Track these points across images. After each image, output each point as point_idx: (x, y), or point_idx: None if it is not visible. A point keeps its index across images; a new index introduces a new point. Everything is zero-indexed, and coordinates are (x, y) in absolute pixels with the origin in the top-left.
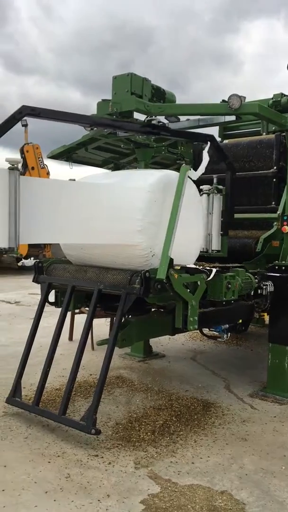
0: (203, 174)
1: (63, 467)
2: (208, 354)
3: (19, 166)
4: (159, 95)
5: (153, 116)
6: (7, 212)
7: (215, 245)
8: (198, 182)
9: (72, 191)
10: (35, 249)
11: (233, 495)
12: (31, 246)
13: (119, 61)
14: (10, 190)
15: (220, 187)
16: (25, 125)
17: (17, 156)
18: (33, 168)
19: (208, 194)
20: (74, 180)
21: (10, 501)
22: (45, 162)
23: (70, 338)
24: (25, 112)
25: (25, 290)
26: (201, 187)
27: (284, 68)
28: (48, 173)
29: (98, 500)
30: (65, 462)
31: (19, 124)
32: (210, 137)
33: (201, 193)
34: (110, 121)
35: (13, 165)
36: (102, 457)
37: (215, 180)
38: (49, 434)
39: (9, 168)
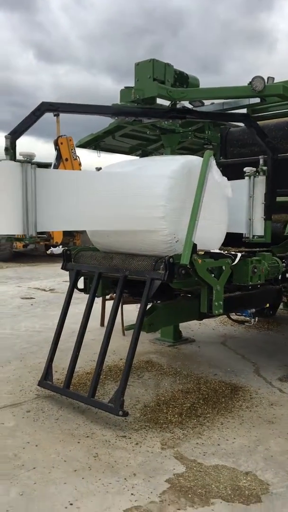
0: (247, 156)
1: (91, 447)
2: (239, 339)
3: (32, 159)
4: (182, 79)
5: (178, 101)
6: (21, 202)
7: (258, 230)
8: (243, 165)
9: (91, 181)
10: (68, 237)
11: (258, 476)
12: (65, 234)
13: (150, 46)
14: (23, 182)
15: (265, 168)
16: (57, 115)
17: (51, 146)
18: (66, 159)
19: (250, 177)
20: (100, 168)
21: (41, 478)
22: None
23: (102, 324)
24: (44, 108)
25: (59, 278)
26: (244, 169)
27: None
28: (80, 164)
29: (125, 479)
30: (94, 443)
31: (50, 115)
32: (245, 116)
33: (244, 175)
34: (131, 109)
35: (26, 158)
36: (130, 438)
37: (261, 162)
38: (79, 416)
39: (22, 161)
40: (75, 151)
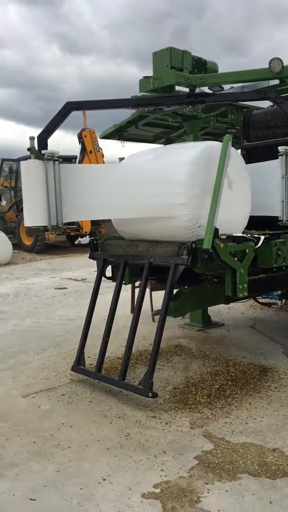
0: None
1: (123, 427)
2: (268, 321)
3: (55, 156)
4: (200, 66)
5: (197, 88)
6: (44, 196)
7: None
8: (266, 148)
9: (113, 172)
10: (95, 226)
11: (285, 452)
12: (92, 223)
13: (174, 30)
14: (46, 178)
15: None
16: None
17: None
18: (91, 151)
19: (284, 156)
20: (123, 158)
21: (76, 456)
22: (100, 145)
23: (132, 310)
24: (69, 107)
25: (90, 268)
26: (279, 147)
27: None
28: (103, 156)
29: (155, 456)
30: (125, 423)
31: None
32: (270, 94)
33: (278, 154)
34: (150, 98)
35: (50, 156)
36: (160, 418)
37: None
38: (111, 398)
39: (46, 159)
40: (98, 143)
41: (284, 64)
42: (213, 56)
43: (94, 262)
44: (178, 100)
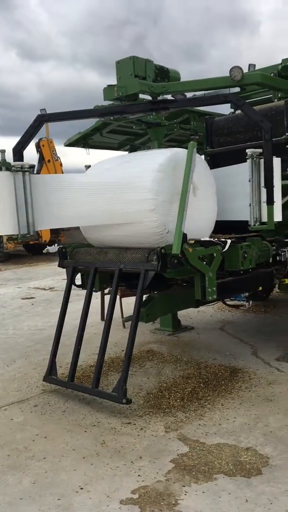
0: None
1: (98, 435)
2: (236, 323)
3: (27, 167)
4: (163, 74)
5: (160, 96)
6: (14, 205)
7: (261, 216)
8: (229, 154)
9: (82, 180)
10: (54, 234)
11: (258, 451)
12: (52, 232)
13: (132, 37)
14: (14, 188)
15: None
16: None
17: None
18: (49, 161)
19: (251, 159)
20: (89, 166)
21: (52, 467)
22: (59, 154)
23: (102, 318)
24: (40, 119)
25: (58, 276)
26: (246, 150)
27: None
28: (61, 165)
29: (131, 462)
30: (100, 431)
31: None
32: (231, 97)
33: (246, 157)
34: (116, 108)
35: (19, 167)
36: (135, 424)
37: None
38: (85, 407)
39: (13, 171)
40: (56, 152)
41: (244, 72)
42: (172, 62)
43: (62, 270)
44: (143, 108)
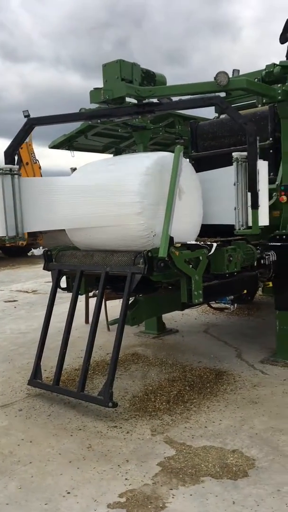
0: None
1: (84, 439)
2: (221, 326)
3: (14, 170)
4: (149, 78)
5: (146, 100)
6: (3, 207)
7: (246, 220)
8: (214, 158)
9: (68, 184)
10: (32, 237)
11: (244, 453)
12: (29, 235)
13: (115, 39)
14: (3, 191)
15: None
16: (28, 116)
17: None
18: (27, 163)
19: (237, 162)
20: (75, 168)
21: (37, 472)
22: (43, 156)
23: (86, 321)
24: (30, 123)
25: (41, 279)
26: (232, 153)
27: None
28: (40, 168)
29: (118, 465)
30: (86, 434)
31: (20, 117)
32: (215, 99)
33: (232, 160)
34: (103, 111)
35: (7, 171)
36: (121, 427)
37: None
38: (70, 410)
39: (1, 174)
40: (34, 155)
41: (230, 78)
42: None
43: (44, 273)
44: (129, 111)
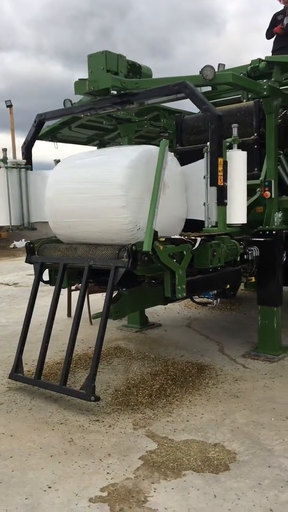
0: (203, 142)
1: (66, 433)
2: (203, 320)
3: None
4: (135, 70)
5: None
6: (7, 199)
7: (214, 217)
8: (199, 152)
9: (54, 175)
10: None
11: (225, 447)
12: None
13: (98, 29)
14: (9, 183)
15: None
16: (10, 106)
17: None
18: None
19: (206, 154)
20: (58, 160)
21: (18, 466)
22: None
23: (69, 314)
24: (38, 119)
25: (22, 272)
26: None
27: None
28: None
29: (100, 460)
30: (68, 428)
31: (2, 106)
32: (180, 86)
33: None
34: (90, 104)
35: (14, 165)
36: (103, 421)
37: (235, 131)
38: (52, 404)
39: (9, 167)
40: None
41: (216, 72)
42: (138, 57)
43: (26, 265)
44: (111, 101)
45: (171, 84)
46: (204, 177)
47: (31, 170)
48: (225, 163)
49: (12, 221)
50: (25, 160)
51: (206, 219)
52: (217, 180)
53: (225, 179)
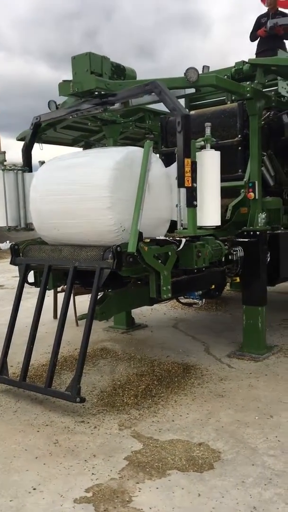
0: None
1: (51, 434)
2: (189, 321)
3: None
4: (119, 72)
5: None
6: (4, 201)
7: (185, 219)
8: None
9: (40, 176)
10: None
11: (210, 446)
12: None
13: (84, 30)
14: (5, 185)
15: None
16: None
17: None
18: None
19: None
20: (43, 162)
21: (3, 468)
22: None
23: (55, 316)
24: (35, 122)
25: (8, 274)
26: None
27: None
28: None
29: (85, 460)
30: (53, 430)
31: None
32: (151, 85)
33: None
34: (75, 106)
35: (10, 167)
36: (88, 423)
37: (207, 131)
38: (37, 406)
39: (6, 170)
40: None
41: (199, 74)
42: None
43: (11, 267)
44: (90, 103)
45: (142, 84)
46: (176, 178)
47: (30, 172)
48: (193, 164)
49: (9, 222)
50: (21, 162)
51: (178, 221)
52: (184, 181)
53: (194, 180)
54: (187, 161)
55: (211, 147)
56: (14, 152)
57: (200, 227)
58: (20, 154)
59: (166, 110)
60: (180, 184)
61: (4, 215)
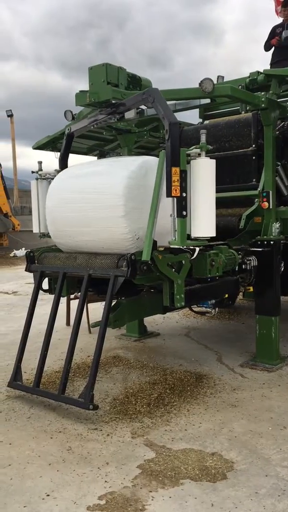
0: None
1: (64, 441)
2: (201, 329)
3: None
4: (135, 82)
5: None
6: (36, 208)
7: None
8: None
9: (58, 185)
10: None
11: (223, 456)
12: None
13: (97, 40)
14: (38, 193)
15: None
16: (11, 116)
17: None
18: None
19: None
20: (59, 171)
21: (17, 474)
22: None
23: (68, 323)
24: (67, 133)
25: (22, 280)
26: None
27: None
28: (1, 173)
29: (98, 468)
30: (66, 437)
31: (3, 115)
32: (146, 93)
33: None
34: (93, 116)
35: (43, 176)
36: (101, 430)
37: (203, 138)
38: (50, 413)
39: (40, 178)
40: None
41: (214, 84)
42: (137, 68)
43: (25, 274)
44: (105, 113)
45: (140, 92)
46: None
47: None
48: (182, 172)
49: (42, 229)
50: (55, 171)
51: (172, 231)
52: (171, 191)
53: (183, 190)
54: (175, 170)
55: (220, 157)
56: (28, 160)
57: (196, 238)
58: (36, 162)
59: (181, 120)
60: (168, 193)
61: (37, 222)
